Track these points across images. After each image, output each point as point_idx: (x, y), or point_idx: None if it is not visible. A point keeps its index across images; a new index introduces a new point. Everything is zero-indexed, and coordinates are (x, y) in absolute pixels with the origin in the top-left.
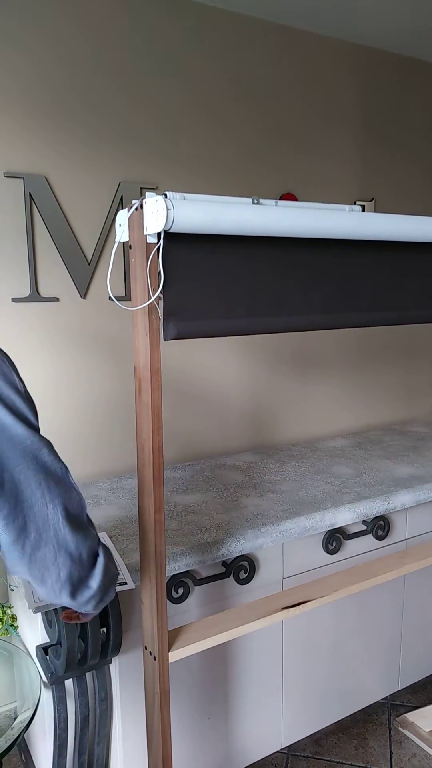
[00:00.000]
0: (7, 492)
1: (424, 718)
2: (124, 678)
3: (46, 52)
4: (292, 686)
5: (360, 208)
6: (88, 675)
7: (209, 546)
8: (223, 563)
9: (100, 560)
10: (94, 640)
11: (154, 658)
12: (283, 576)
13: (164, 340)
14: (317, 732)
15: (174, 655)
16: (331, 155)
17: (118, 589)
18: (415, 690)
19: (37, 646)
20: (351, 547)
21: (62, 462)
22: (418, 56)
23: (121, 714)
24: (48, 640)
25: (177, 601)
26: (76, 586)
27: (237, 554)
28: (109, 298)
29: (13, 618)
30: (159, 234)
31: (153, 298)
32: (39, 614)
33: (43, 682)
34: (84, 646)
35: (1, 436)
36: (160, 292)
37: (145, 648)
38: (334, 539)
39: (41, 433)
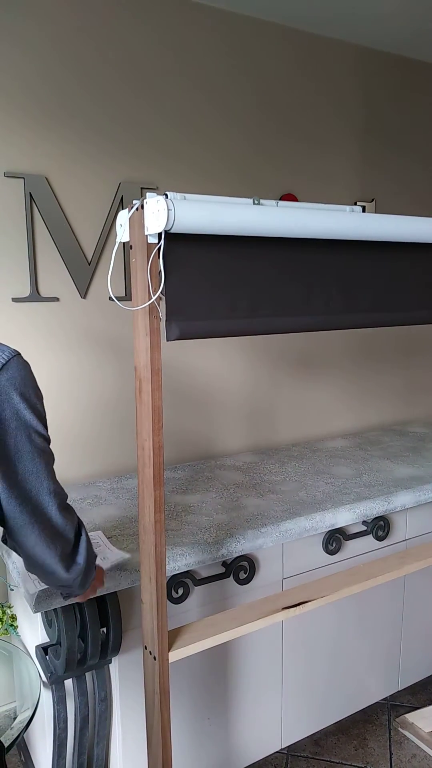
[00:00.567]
0: (20, 483)
1: (424, 719)
2: (124, 678)
3: (47, 51)
4: (291, 686)
5: (361, 208)
6: (88, 675)
7: (209, 546)
8: (223, 563)
9: (83, 539)
10: (93, 640)
11: (154, 658)
12: (283, 576)
13: (167, 340)
14: (317, 732)
15: (174, 655)
16: (332, 156)
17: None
18: (415, 691)
19: (36, 646)
20: (351, 547)
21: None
22: (420, 58)
23: (121, 714)
24: (48, 640)
25: (177, 601)
26: (68, 561)
27: (237, 554)
28: (110, 298)
29: (13, 618)
30: (160, 234)
31: (153, 298)
32: (39, 614)
33: (43, 682)
34: (84, 646)
35: (24, 438)
36: (161, 292)
37: (145, 648)
38: (334, 540)
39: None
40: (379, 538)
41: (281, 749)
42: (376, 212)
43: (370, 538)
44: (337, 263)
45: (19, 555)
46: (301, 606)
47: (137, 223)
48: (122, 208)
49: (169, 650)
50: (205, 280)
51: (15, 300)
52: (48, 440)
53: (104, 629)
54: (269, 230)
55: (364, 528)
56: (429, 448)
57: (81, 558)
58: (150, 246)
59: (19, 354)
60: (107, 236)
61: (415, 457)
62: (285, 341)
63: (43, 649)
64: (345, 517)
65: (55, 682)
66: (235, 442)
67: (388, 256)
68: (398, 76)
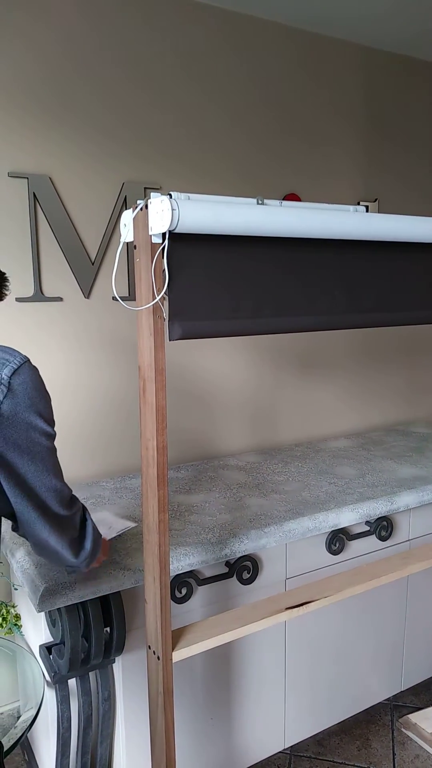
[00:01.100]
0: (28, 481)
1: (427, 720)
2: (127, 677)
3: (50, 51)
4: (294, 686)
5: (364, 208)
6: (92, 674)
7: (212, 546)
8: (227, 563)
9: (89, 524)
10: (97, 640)
11: (158, 658)
12: (286, 576)
13: (169, 340)
14: (320, 732)
15: (178, 655)
16: (335, 155)
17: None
18: (418, 691)
19: (40, 646)
20: (354, 547)
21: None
22: (423, 57)
23: (124, 713)
24: (51, 640)
25: (180, 601)
26: (75, 546)
27: (240, 554)
28: (113, 298)
29: (17, 617)
30: (164, 234)
31: (158, 298)
32: (43, 613)
33: (47, 682)
34: (87, 646)
35: (33, 440)
36: (165, 292)
37: (149, 647)
38: (338, 540)
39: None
40: (383, 539)
41: (284, 749)
42: (379, 212)
43: (373, 538)
44: (341, 263)
45: (29, 543)
46: (304, 606)
47: (141, 223)
48: (125, 208)
49: (173, 650)
50: (208, 279)
51: (19, 300)
52: (54, 437)
53: (108, 629)
54: (273, 230)
55: (368, 528)
56: None
57: (88, 543)
58: (154, 246)
59: (29, 360)
60: (111, 236)
61: (418, 457)
62: (288, 341)
63: (47, 649)
64: (348, 517)
65: (58, 682)
66: (238, 442)
67: (392, 256)
68: (401, 76)
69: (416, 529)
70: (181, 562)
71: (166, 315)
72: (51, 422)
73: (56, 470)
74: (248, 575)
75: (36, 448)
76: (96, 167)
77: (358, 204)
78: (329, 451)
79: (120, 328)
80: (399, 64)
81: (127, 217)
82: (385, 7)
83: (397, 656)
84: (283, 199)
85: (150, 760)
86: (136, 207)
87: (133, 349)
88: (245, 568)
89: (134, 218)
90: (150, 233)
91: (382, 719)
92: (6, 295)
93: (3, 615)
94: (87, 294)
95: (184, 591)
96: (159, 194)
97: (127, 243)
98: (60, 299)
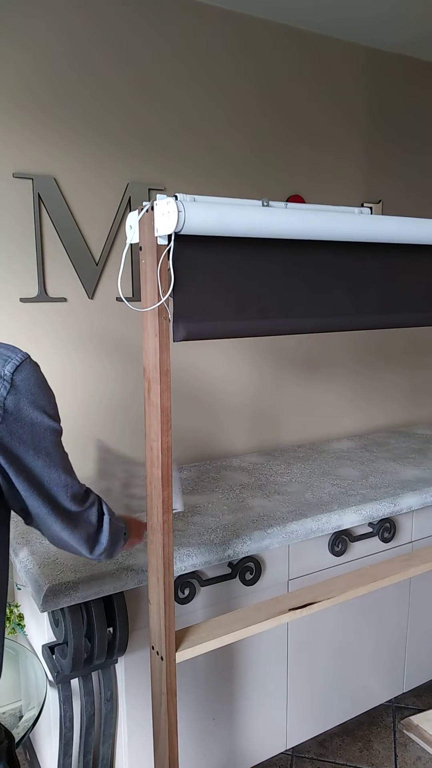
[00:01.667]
0: (38, 477)
1: (429, 721)
2: (130, 677)
3: (54, 53)
4: (296, 688)
5: (369, 210)
6: (94, 674)
7: (215, 547)
8: (229, 564)
9: (106, 518)
10: (100, 640)
11: (162, 658)
12: (288, 577)
13: (174, 341)
14: (322, 734)
15: (181, 656)
16: (339, 157)
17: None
18: (420, 693)
19: (43, 645)
20: (357, 549)
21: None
22: (427, 58)
23: (127, 713)
24: (54, 640)
25: (183, 601)
26: (91, 542)
27: (243, 555)
28: (118, 299)
29: (20, 617)
30: (169, 236)
31: (163, 299)
32: (46, 613)
33: (49, 681)
34: (90, 646)
35: (40, 436)
36: (170, 293)
37: (152, 648)
38: (340, 541)
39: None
40: (385, 540)
41: (286, 750)
42: (382, 214)
43: (376, 539)
44: (345, 264)
45: (45, 536)
46: (307, 607)
47: (147, 224)
48: (130, 209)
49: (176, 651)
50: (213, 281)
51: (23, 300)
52: (60, 432)
53: (111, 629)
54: (278, 232)
55: (370, 530)
56: None
57: (104, 538)
58: (160, 247)
59: (30, 356)
60: (115, 237)
61: (421, 458)
62: (291, 342)
63: (50, 649)
64: (351, 518)
65: (61, 682)
66: (240, 443)
67: (396, 258)
68: (404, 77)
69: (419, 531)
70: (184, 563)
71: (171, 316)
72: (56, 417)
73: (65, 465)
74: (251, 576)
75: (42, 444)
76: (100, 168)
77: (362, 206)
78: (332, 453)
79: (124, 328)
80: (403, 65)
81: (133, 218)
82: (389, 8)
83: (399, 658)
84: (287, 201)
85: (152, 759)
86: (142, 209)
87: (137, 349)
88: (248, 569)
89: (140, 220)
90: (156, 235)
91: (383, 721)
92: None
93: (6, 615)
94: (91, 295)
95: (186, 592)
96: (165, 196)
97: (132, 244)
98: (64, 300)
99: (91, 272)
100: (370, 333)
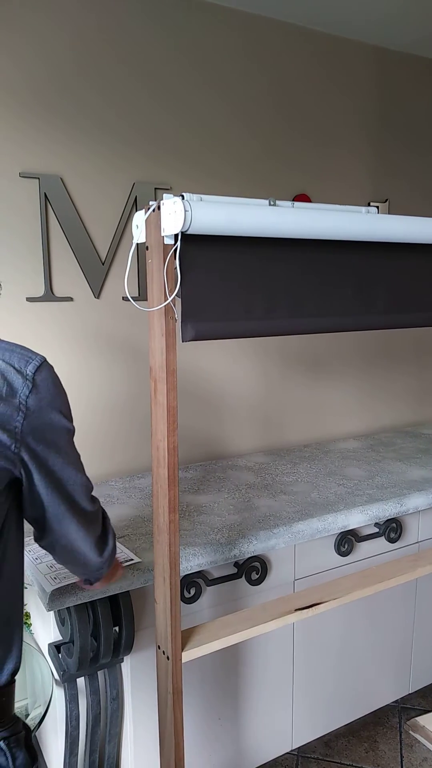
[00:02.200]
0: (57, 476)
1: None
2: (136, 677)
3: (60, 52)
4: (302, 688)
5: (375, 209)
6: (100, 673)
7: (221, 546)
8: (235, 564)
9: (108, 520)
10: (106, 639)
11: (168, 658)
12: (294, 577)
13: (182, 341)
14: (327, 734)
15: (187, 655)
16: (346, 156)
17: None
18: (426, 694)
19: (49, 644)
20: (363, 549)
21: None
22: None
23: (132, 712)
24: (60, 638)
25: (189, 601)
26: (100, 544)
27: (249, 555)
28: (124, 298)
29: (27, 616)
30: (176, 235)
31: (170, 299)
32: (52, 612)
33: (55, 680)
34: (96, 645)
35: (59, 437)
36: (177, 293)
37: (158, 647)
38: (346, 541)
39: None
40: (392, 540)
41: (291, 750)
42: (389, 213)
43: (382, 540)
44: (353, 264)
45: (54, 551)
46: (313, 607)
47: (154, 224)
48: (136, 208)
49: (182, 650)
50: (220, 280)
51: (29, 300)
52: (73, 432)
53: (117, 628)
54: (286, 231)
55: (377, 530)
56: None
57: (110, 539)
58: (166, 247)
59: (46, 358)
60: (121, 236)
61: (427, 459)
62: (297, 341)
63: (56, 647)
64: (357, 518)
65: (67, 681)
66: (246, 443)
67: (404, 257)
68: (413, 76)
69: (425, 531)
70: (190, 563)
71: (178, 316)
72: (70, 418)
73: (79, 464)
74: (257, 576)
75: (60, 442)
76: (106, 168)
77: (368, 205)
78: (338, 453)
79: (130, 328)
80: (411, 63)
81: (140, 218)
82: (398, 7)
83: (405, 658)
84: (294, 200)
85: (157, 759)
86: (149, 208)
87: (143, 349)
88: (254, 569)
89: (146, 219)
90: (162, 234)
91: (389, 721)
92: None
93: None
94: (97, 294)
95: (192, 591)
96: (171, 195)
97: (139, 244)
98: (70, 299)
99: (97, 272)
100: (377, 332)
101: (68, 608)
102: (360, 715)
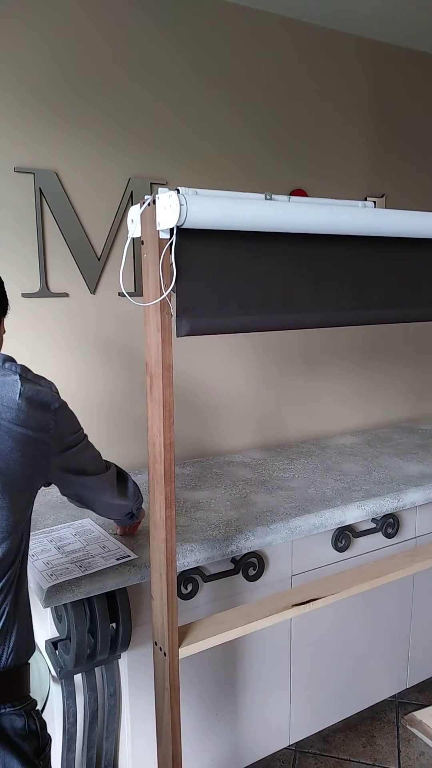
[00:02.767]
0: (82, 464)
1: None
2: (133, 673)
3: (56, 46)
4: (300, 683)
5: (372, 204)
6: (97, 670)
7: (218, 542)
8: (232, 560)
9: (121, 471)
10: (103, 635)
11: (164, 654)
12: (291, 573)
13: (177, 336)
14: (325, 729)
15: (184, 652)
16: (342, 151)
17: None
18: (423, 688)
19: (46, 641)
20: (360, 544)
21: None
22: None
23: (130, 709)
24: (57, 635)
25: (186, 597)
26: (122, 491)
27: (246, 551)
28: (120, 294)
29: None
30: (172, 230)
31: (165, 294)
32: (49, 609)
33: (52, 677)
34: (93, 641)
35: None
36: (173, 288)
37: (155, 644)
38: (344, 537)
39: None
40: (389, 536)
41: (289, 745)
42: (386, 208)
43: (379, 535)
44: (348, 259)
45: (93, 509)
46: (310, 603)
47: (149, 218)
48: (132, 203)
49: (179, 646)
50: (216, 275)
51: (25, 295)
52: (82, 434)
53: (113, 625)
54: (281, 226)
55: (374, 525)
56: None
57: (129, 483)
58: (162, 241)
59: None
60: (117, 231)
61: (425, 454)
62: (294, 337)
63: (53, 644)
64: (354, 514)
65: (64, 677)
66: (243, 439)
67: (400, 252)
68: (411, 71)
69: (423, 526)
70: (187, 559)
71: (173, 311)
72: (78, 431)
73: (87, 443)
74: (254, 572)
75: (76, 448)
76: (102, 162)
77: (365, 200)
78: (335, 448)
79: (126, 323)
80: (409, 58)
81: (135, 212)
82: (395, 1)
83: (402, 653)
84: (290, 195)
85: (155, 755)
86: (144, 202)
87: (139, 345)
88: (251, 565)
89: (142, 214)
90: (157, 228)
91: (387, 716)
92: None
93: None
94: (93, 290)
95: (189, 587)
96: (167, 189)
97: (134, 239)
98: (66, 295)
99: (93, 267)
100: (375, 327)
101: (65, 605)
102: (357, 710)
